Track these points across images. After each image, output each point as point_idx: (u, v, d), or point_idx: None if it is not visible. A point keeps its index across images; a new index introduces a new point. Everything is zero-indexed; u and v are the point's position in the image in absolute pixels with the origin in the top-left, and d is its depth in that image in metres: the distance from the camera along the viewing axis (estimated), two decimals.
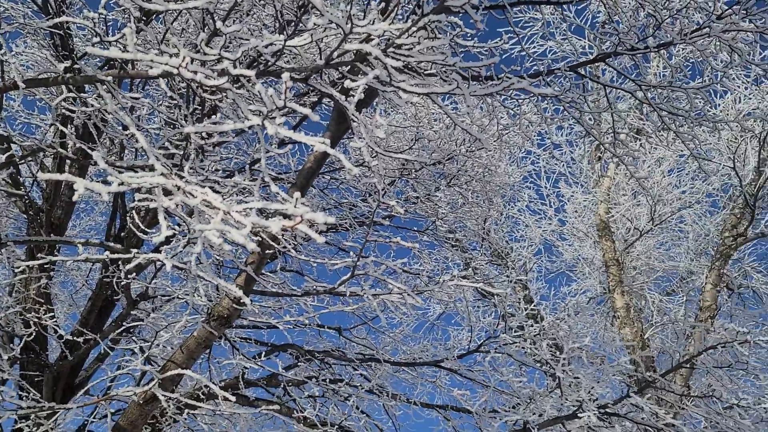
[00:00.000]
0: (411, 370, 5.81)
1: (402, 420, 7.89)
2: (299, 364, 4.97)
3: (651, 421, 3.72)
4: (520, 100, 4.08)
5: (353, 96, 2.49)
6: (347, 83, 1.88)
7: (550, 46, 8.77)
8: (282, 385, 4.55)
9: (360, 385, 4.64)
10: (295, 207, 1.63)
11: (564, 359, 3.90)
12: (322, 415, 4.92)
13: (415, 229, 6.24)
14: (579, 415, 3.59)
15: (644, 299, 9.05)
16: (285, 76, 1.68)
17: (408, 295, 2.73)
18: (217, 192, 2.15)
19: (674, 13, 3.82)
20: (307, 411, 4.19)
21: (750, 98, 7.78)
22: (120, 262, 3.45)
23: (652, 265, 9.16)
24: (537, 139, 9.84)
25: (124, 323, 4.18)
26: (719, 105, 8.01)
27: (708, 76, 4.87)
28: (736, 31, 3.71)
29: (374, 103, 6.46)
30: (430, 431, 5.42)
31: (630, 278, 8.98)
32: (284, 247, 3.46)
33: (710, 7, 3.85)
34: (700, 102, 4.11)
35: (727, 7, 3.83)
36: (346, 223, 5.52)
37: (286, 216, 1.81)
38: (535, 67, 4.51)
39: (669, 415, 3.56)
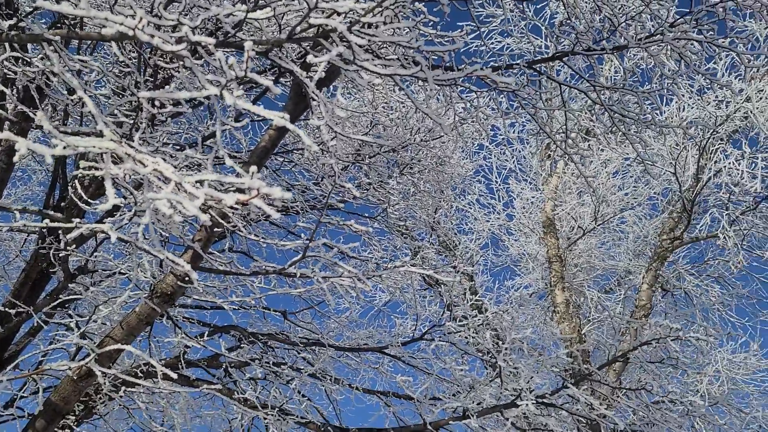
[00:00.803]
0: (355, 356, 5.83)
1: (343, 405, 7.91)
2: (242, 345, 4.91)
3: (585, 411, 3.85)
4: (477, 94, 4.12)
5: (314, 73, 2.46)
6: (310, 58, 1.84)
7: (508, 44, 8.90)
8: (223, 367, 4.48)
9: (302, 369, 4.62)
10: (251, 180, 1.59)
11: (505, 349, 3.99)
12: (263, 397, 4.88)
13: (366, 215, 6.25)
14: (517, 403, 3.68)
15: (583, 296, 9.34)
16: (248, 44, 1.64)
17: (358, 279, 2.72)
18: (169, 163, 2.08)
19: (630, 17, 3.92)
20: (248, 393, 4.15)
21: (693, 108, 8.10)
22: (60, 232, 3.31)
23: (592, 263, 9.45)
24: (490, 135, 9.99)
25: (60, 296, 4.03)
26: (665, 112, 8.31)
27: (656, 82, 5.04)
28: (687, 40, 3.84)
29: (332, 87, 6.40)
30: (371, 417, 5.45)
31: (571, 275, 9.25)
32: (234, 226, 3.39)
33: (663, 15, 3.97)
34: (648, 106, 4.25)
35: (679, 17, 3.97)
36: (297, 206, 5.46)
37: (241, 190, 1.77)
38: (493, 62, 4.56)
39: (603, 407, 3.69)
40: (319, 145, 4.73)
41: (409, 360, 5.35)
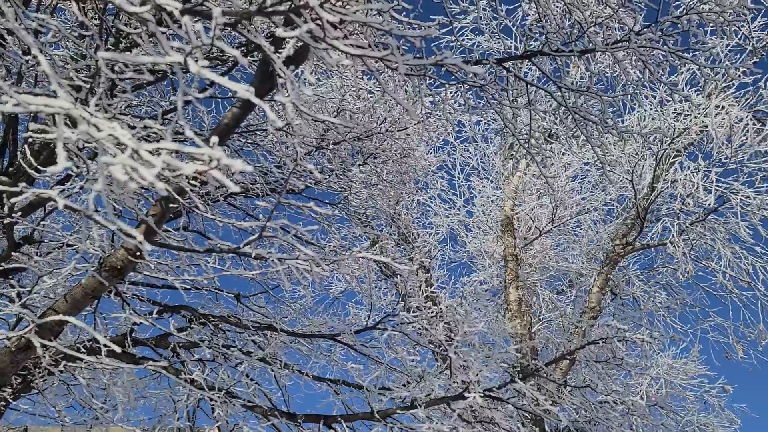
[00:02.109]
0: (307, 342, 5.80)
1: (292, 391, 7.87)
2: (191, 326, 4.82)
3: (531, 406, 3.92)
4: (446, 86, 4.12)
5: (283, 50, 2.41)
6: (279, 32, 1.80)
7: (480, 42, 8.95)
8: (171, 346, 4.39)
9: (252, 353, 4.56)
10: (211, 150, 1.55)
11: (457, 342, 4.02)
12: (211, 379, 4.80)
13: (328, 201, 6.21)
14: (465, 396, 3.72)
15: (536, 295, 9.51)
16: (216, 11, 1.59)
17: (315, 263, 2.69)
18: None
19: (598, 23, 3.98)
20: (195, 374, 4.07)
21: (654, 118, 8.31)
22: (5, 197, 3.17)
23: (547, 263, 9.63)
24: (455, 131, 10.05)
25: (2, 265, 3.87)
26: (626, 120, 8.50)
27: (620, 90, 5.14)
28: (651, 49, 3.93)
29: (301, 71, 6.32)
30: (320, 404, 5.43)
31: (525, 274, 9.40)
32: (191, 203, 3.31)
33: (630, 23, 4.05)
34: (610, 112, 4.33)
35: (645, 26, 4.05)
36: (257, 188, 5.38)
37: (200, 161, 1.72)
38: (463, 58, 4.57)
39: (548, 402, 3.77)
40: (284, 127, 4.67)
41: (361, 349, 5.35)
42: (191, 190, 3.36)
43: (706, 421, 8.33)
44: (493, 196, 9.92)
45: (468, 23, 8.47)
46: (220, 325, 5.29)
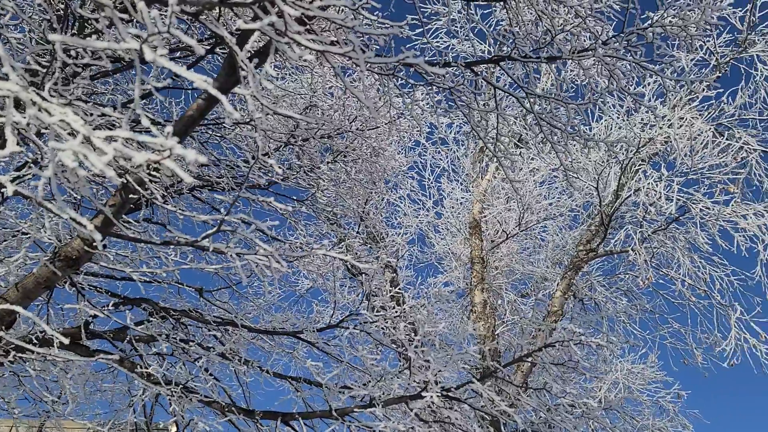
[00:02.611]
0: (269, 339, 5.76)
1: (254, 388, 7.80)
2: (151, 320, 4.75)
3: (488, 407, 3.96)
4: (413, 87, 4.14)
5: (247, 42, 2.38)
6: (240, 24, 1.78)
7: (453, 44, 9.01)
8: (128, 339, 4.31)
9: (212, 348, 4.51)
10: (165, 140, 1.52)
11: (418, 341, 4.04)
12: (170, 374, 4.73)
13: (295, 197, 6.17)
14: (423, 395, 3.74)
15: (501, 298, 9.61)
16: None
17: (274, 258, 2.67)
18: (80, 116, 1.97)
19: (567, 31, 4.04)
20: (152, 368, 4.01)
21: (620, 127, 8.47)
22: None
23: (513, 267, 9.73)
24: (426, 133, 10.10)
25: None
26: (594, 128, 8.65)
27: (589, 99, 5.22)
28: (617, 59, 4.00)
29: (272, 65, 6.26)
30: (280, 400, 5.40)
31: (491, 277, 9.49)
32: (151, 194, 3.25)
33: (598, 32, 4.12)
34: (576, 119, 4.39)
35: (612, 35, 4.13)
36: (223, 181, 5.32)
37: (154, 151, 1.69)
38: (433, 59, 4.59)
39: (504, 403, 3.81)
40: (249, 120, 4.62)
41: (323, 346, 5.34)
42: (152, 182, 3.30)
43: (661, 426, 8.52)
44: (462, 198, 9.99)
45: (442, 26, 8.53)
46: (181, 320, 5.22)
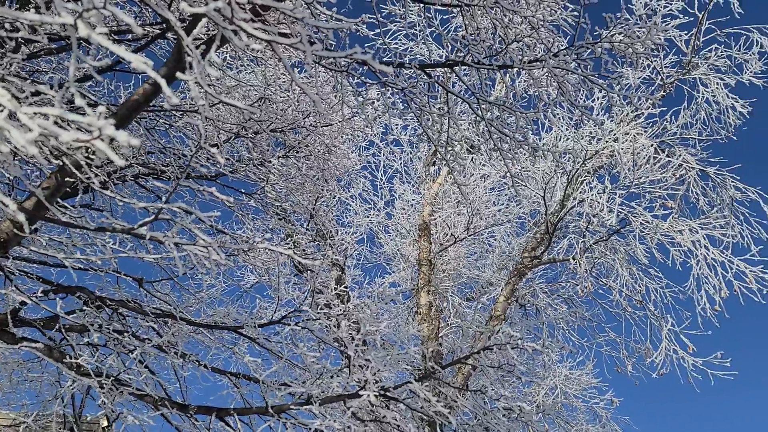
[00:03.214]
0: (209, 333, 5.66)
1: (191, 383, 7.63)
2: (84, 309, 4.59)
3: (424, 408, 3.99)
4: (368, 86, 4.14)
5: (195, 28, 2.33)
6: (185, 6, 1.74)
7: (411, 47, 9.06)
8: (56, 328, 4.15)
9: (147, 339, 4.40)
10: (95, 120, 1.47)
11: (359, 340, 4.04)
12: (103, 366, 4.58)
13: (243, 190, 6.08)
14: (360, 394, 3.74)
15: (446, 300, 9.71)
16: None
17: (213, 250, 2.62)
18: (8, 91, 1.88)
19: (519, 40, 4.12)
20: (82, 359, 3.87)
21: (569, 139, 8.69)
22: None
23: (459, 270, 9.85)
24: (382, 134, 10.13)
25: None
26: (543, 138, 8.85)
27: (540, 109, 5.34)
28: (566, 71, 4.10)
29: (225, 55, 6.16)
30: (218, 396, 5.30)
31: (438, 279, 9.58)
32: (88, 178, 3.15)
33: (550, 43, 4.21)
34: (525, 128, 4.48)
35: (564, 48, 4.23)
36: (169, 170, 5.20)
37: (86, 130, 1.63)
38: (389, 59, 4.62)
39: (440, 404, 3.85)
40: (196, 111, 4.53)
41: (264, 342, 5.27)
42: (90, 166, 3.20)
43: (593, 431, 8.78)
44: (413, 200, 10.05)
45: (401, 28, 8.56)
46: (119, 310, 5.07)
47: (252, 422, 4.79)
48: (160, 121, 5.50)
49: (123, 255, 3.65)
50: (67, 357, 3.98)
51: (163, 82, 1.65)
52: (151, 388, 4.94)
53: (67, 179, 3.16)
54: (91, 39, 1.62)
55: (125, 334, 4.28)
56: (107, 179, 4.97)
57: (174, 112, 5.63)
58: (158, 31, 4.10)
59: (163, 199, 3.38)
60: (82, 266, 4.66)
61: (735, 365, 7.83)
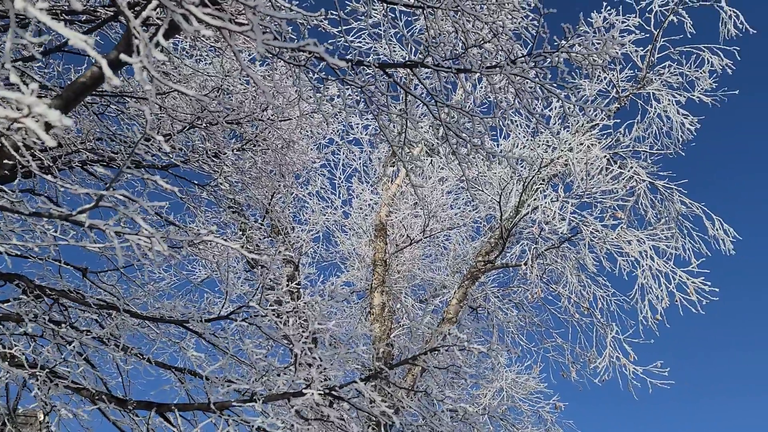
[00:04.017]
0: (155, 327, 5.52)
1: (135, 378, 7.42)
2: (22, 298, 4.41)
3: (368, 408, 3.98)
4: (326, 82, 4.10)
5: (144, 10, 2.26)
6: None
7: (374, 47, 9.06)
8: None
9: (87, 331, 4.25)
10: (25, 96, 1.40)
11: (306, 337, 4.00)
12: (40, 358, 4.42)
13: (196, 182, 5.95)
14: (304, 392, 3.70)
15: (399, 302, 9.73)
16: None
17: (156, 240, 2.55)
18: None
19: (479, 45, 4.15)
20: (16, 349, 3.72)
21: (525, 146, 8.83)
22: None
23: (414, 272, 9.89)
24: (342, 132, 10.08)
25: None
26: (501, 145, 8.96)
27: (498, 116, 5.40)
28: (523, 78, 4.16)
29: (178, 43, 6.02)
30: (162, 391, 5.16)
31: (392, 280, 9.59)
32: (28, 161, 3.02)
33: (509, 50, 4.26)
34: (482, 133, 4.51)
35: (523, 55, 4.28)
36: (118, 157, 5.05)
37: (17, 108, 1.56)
38: (349, 57, 4.58)
39: (385, 404, 3.84)
40: (142, 98, 4.41)
41: (211, 338, 5.17)
42: (30, 148, 3.07)
43: None
44: (371, 200, 10.04)
45: (366, 27, 8.54)
46: (60, 301, 4.89)
47: (196, 419, 4.70)
48: (112, 107, 5.34)
49: (63, 243, 3.52)
50: (0, 347, 3.82)
51: (103, 62, 1.59)
52: (91, 382, 4.79)
53: (5, 161, 3.03)
54: (28, 13, 1.55)
55: (63, 325, 4.13)
56: (52, 164, 4.79)
57: (127, 99, 5.48)
58: (111, 13, 3.97)
59: (108, 186, 3.26)
60: (20, 253, 4.48)
61: (673, 375, 8.09)
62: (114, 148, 5.33)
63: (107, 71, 1.57)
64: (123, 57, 1.89)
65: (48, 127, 1.88)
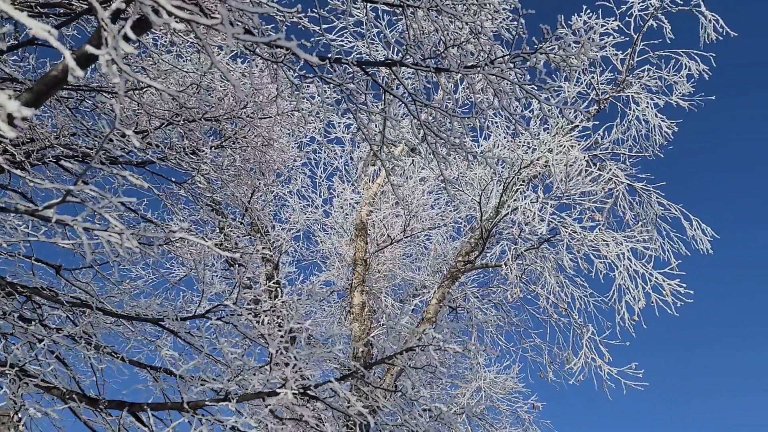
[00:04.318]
0: (130, 325, 5.45)
1: (111, 377, 7.34)
2: None
3: (343, 407, 3.96)
4: (303, 79, 4.08)
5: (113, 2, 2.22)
6: None
7: (357, 46, 9.04)
8: None
9: (58, 329, 4.18)
10: None
11: (282, 336, 3.97)
12: (10, 357, 4.33)
13: (173, 179, 5.89)
14: (278, 391, 3.67)
15: (380, 301, 9.72)
16: None
17: (126, 237, 2.51)
18: None
19: (458, 44, 4.15)
20: None
21: (506, 147, 8.87)
22: None
23: (394, 272, 9.88)
24: (324, 130, 10.04)
25: None
26: (481, 146, 8.99)
27: (476, 117, 5.41)
28: (502, 78, 4.17)
29: (128, 27, 5.95)
30: (134, 390, 5.09)
31: (372, 279, 9.58)
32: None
33: (488, 50, 4.27)
34: (460, 132, 4.52)
35: (500, 56, 4.29)
36: (93, 153, 4.97)
37: None
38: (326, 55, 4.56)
39: (361, 404, 3.82)
40: (126, 92, 4.34)
41: (186, 337, 5.11)
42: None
43: None
44: (352, 199, 10.02)
45: (348, 26, 8.52)
46: (33, 298, 4.81)
47: (171, 418, 4.64)
48: (87, 102, 5.26)
49: (34, 239, 3.45)
50: None
51: (66, 53, 1.55)
52: (63, 381, 4.71)
53: None
54: None
55: (33, 322, 4.06)
56: (24, 159, 4.71)
57: (104, 94, 5.40)
58: (85, 6, 3.91)
59: (76, 181, 3.21)
60: None
61: (649, 376, 8.18)
62: (89, 143, 5.25)
63: (70, 62, 1.54)
64: (89, 48, 1.85)
65: (10, 118, 1.84)
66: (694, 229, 8.63)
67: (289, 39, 1.95)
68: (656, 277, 7.94)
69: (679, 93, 8.87)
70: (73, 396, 4.01)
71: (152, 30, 5.74)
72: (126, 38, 1.79)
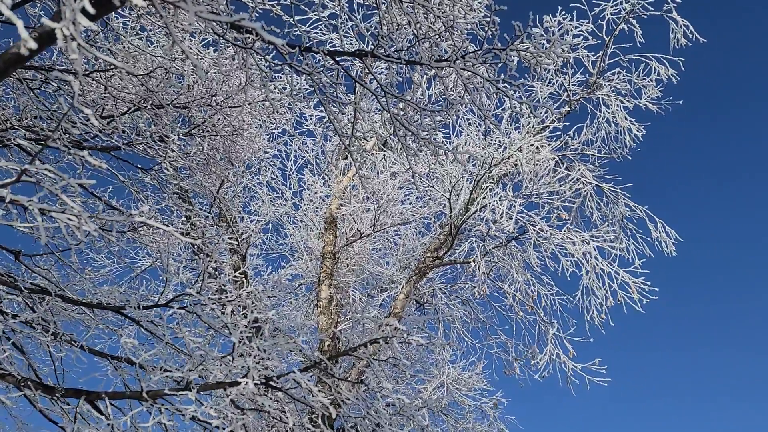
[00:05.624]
0: (92, 313, 5.35)
1: (71, 366, 7.21)
2: None
3: (306, 398, 3.95)
4: (271, 66, 4.04)
5: None
6: None
7: (332, 39, 8.99)
8: None
9: (14, 315, 4.08)
10: None
11: (246, 326, 3.93)
12: None
13: (140, 166, 5.78)
14: (239, 381, 3.64)
15: (347, 295, 9.70)
16: None
17: (84, 220, 2.45)
18: None
19: (431, 38, 4.15)
20: None
21: (477, 145, 8.92)
22: None
23: (363, 266, 9.87)
24: (296, 122, 9.98)
25: None
26: (453, 142, 9.03)
27: (449, 114, 5.43)
28: (473, 74, 4.18)
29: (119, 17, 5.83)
30: (93, 379, 4.99)
31: (341, 273, 9.55)
32: None
33: (460, 45, 4.28)
34: (430, 126, 4.53)
35: (471, 51, 4.31)
36: (55, 136, 4.85)
37: None
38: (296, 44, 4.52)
39: (324, 396, 3.81)
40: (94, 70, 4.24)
41: (149, 326, 5.04)
42: None
43: (480, 429, 9.06)
44: (322, 192, 9.98)
45: (323, 18, 8.46)
46: None
47: (131, 407, 4.56)
48: (52, 84, 5.13)
49: None
50: None
51: (19, 23, 1.51)
52: (19, 368, 4.59)
53: None
54: None
55: None
56: None
57: (68, 73, 5.26)
58: None
59: (31, 160, 3.12)
60: None
61: (612, 373, 8.34)
62: (51, 126, 5.13)
63: (22, 32, 1.49)
64: (45, 21, 1.80)
65: None
66: (659, 231, 8.81)
67: (255, 21, 1.92)
68: (622, 276, 8.09)
69: (648, 96, 9.03)
70: (29, 383, 3.92)
71: (120, 12, 5.62)
72: (85, 13, 1.74)
